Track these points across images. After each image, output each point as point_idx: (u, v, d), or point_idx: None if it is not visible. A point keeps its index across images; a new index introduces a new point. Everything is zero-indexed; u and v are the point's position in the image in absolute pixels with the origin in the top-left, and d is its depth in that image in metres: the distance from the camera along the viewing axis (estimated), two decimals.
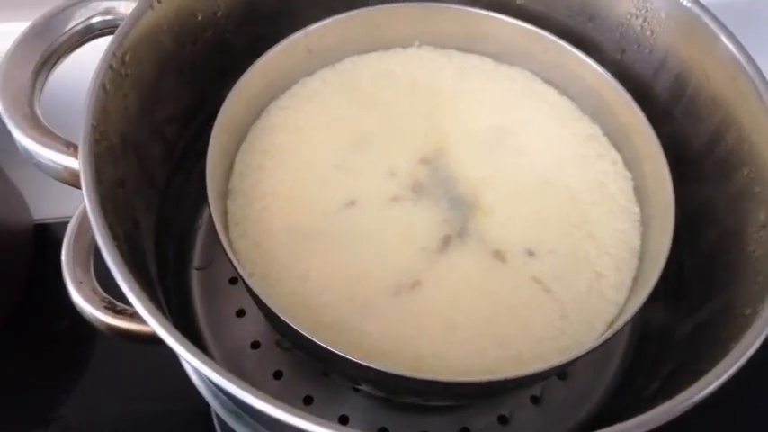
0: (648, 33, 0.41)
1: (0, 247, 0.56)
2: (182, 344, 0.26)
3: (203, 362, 0.25)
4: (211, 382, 0.26)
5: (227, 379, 0.25)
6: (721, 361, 0.27)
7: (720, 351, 0.30)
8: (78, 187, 0.33)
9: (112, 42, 0.34)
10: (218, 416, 0.53)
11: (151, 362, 0.55)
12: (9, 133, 0.37)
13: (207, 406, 0.53)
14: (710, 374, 0.27)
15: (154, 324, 0.26)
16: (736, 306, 0.32)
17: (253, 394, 0.24)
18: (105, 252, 0.28)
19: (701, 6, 0.38)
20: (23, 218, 0.62)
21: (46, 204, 0.62)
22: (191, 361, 0.25)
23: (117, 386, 0.56)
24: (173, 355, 0.42)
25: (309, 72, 0.44)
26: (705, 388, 0.27)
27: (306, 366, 0.42)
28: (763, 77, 0.35)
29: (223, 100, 0.39)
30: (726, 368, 0.27)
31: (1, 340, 0.56)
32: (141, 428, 0.54)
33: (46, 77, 0.36)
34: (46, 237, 0.63)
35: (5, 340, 0.56)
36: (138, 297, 0.27)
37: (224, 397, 0.35)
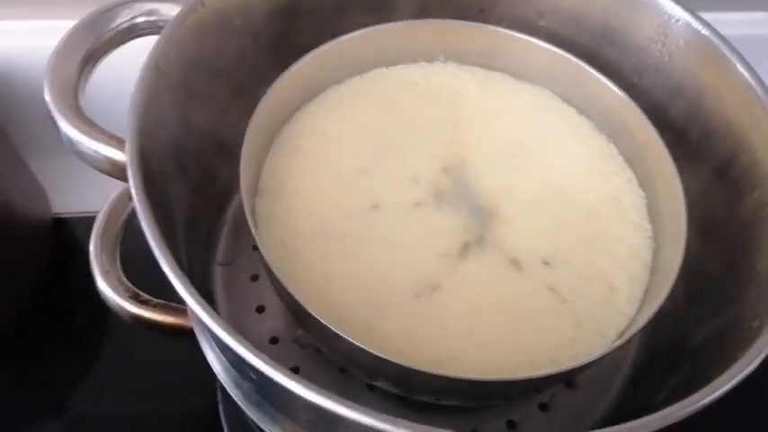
0: (666, 59, 0.43)
1: (19, 240, 0.57)
2: (220, 325, 0.27)
3: (242, 344, 0.26)
4: (245, 365, 0.27)
5: (264, 361, 0.26)
6: (727, 370, 0.29)
7: (728, 363, 0.31)
8: (119, 178, 0.34)
9: (159, 40, 0.36)
10: (225, 410, 0.54)
11: (163, 356, 0.56)
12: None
13: (215, 402, 0.54)
14: (715, 383, 0.28)
15: (195, 307, 0.27)
16: (744, 320, 0.34)
17: (290, 378, 0.25)
18: (152, 240, 0.29)
19: (719, 35, 0.40)
20: (43, 211, 0.63)
21: (65, 199, 0.64)
22: (229, 342, 0.26)
23: (128, 380, 0.57)
24: (184, 350, 0.43)
25: (338, 80, 0.46)
26: (708, 396, 0.28)
27: (322, 364, 0.43)
28: None
29: (253, 105, 0.41)
30: (730, 377, 0.28)
31: (16, 332, 0.57)
32: (150, 422, 0.55)
33: (91, 71, 0.38)
34: (63, 231, 0.64)
35: (20, 332, 0.57)
36: (180, 280, 0.28)
37: (247, 386, 0.36)
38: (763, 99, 0.37)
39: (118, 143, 0.35)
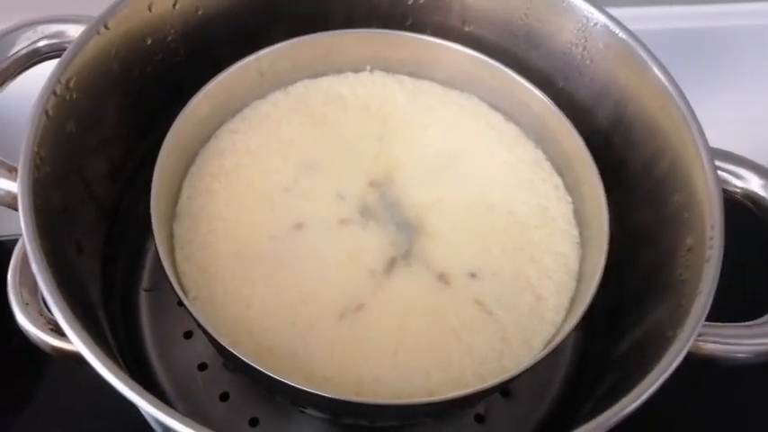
0: (588, 62, 0.43)
1: None
2: (117, 376, 0.26)
3: (130, 386, 0.25)
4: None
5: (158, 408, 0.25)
6: (639, 383, 0.29)
7: (645, 372, 0.31)
8: None
9: (57, 68, 0.35)
10: None
11: (104, 382, 0.54)
12: None
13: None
14: (627, 398, 0.28)
15: (84, 350, 0.26)
16: (663, 328, 0.34)
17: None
18: (40, 280, 0.28)
19: (635, 38, 0.40)
20: None
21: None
22: (123, 391, 0.25)
23: (69, 407, 0.55)
24: None
25: (261, 95, 0.45)
26: (620, 412, 0.28)
27: (253, 388, 0.42)
28: (690, 108, 0.37)
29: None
30: (642, 391, 0.28)
31: None
32: None
33: None
34: None
35: None
36: (72, 327, 0.27)
37: None
38: (679, 103, 0.37)
39: (17, 175, 0.33)
